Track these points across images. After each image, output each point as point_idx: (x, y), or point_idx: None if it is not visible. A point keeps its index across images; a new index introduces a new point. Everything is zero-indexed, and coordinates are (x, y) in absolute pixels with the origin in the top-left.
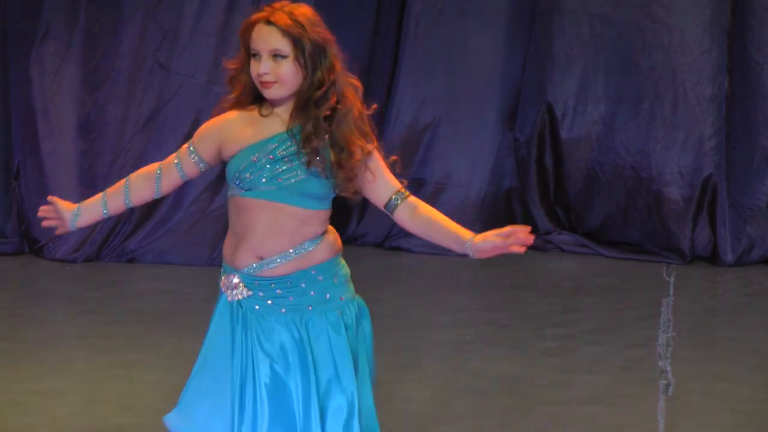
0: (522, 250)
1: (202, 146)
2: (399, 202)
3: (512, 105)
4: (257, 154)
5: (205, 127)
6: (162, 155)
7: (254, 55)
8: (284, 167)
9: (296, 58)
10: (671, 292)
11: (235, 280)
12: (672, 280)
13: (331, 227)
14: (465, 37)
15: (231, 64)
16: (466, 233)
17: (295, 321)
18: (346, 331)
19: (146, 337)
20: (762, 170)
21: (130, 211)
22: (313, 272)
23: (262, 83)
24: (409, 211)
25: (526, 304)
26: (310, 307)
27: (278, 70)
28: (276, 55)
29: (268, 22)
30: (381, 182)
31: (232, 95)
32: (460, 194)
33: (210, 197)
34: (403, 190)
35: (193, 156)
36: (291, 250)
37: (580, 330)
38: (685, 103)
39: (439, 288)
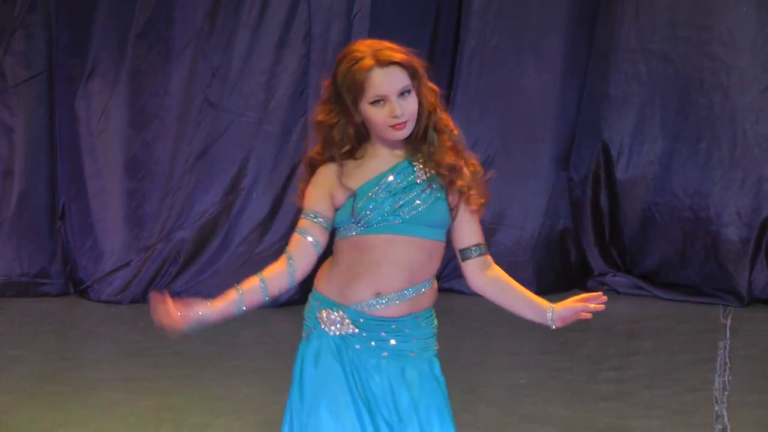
0: (590, 315)
1: (320, 206)
2: (476, 255)
3: (567, 144)
4: (374, 190)
5: (311, 189)
6: (212, 195)
7: (376, 102)
8: (403, 200)
9: (416, 89)
10: (728, 335)
11: (340, 315)
12: (729, 322)
13: None
14: (520, 74)
15: (327, 120)
16: (544, 302)
17: (393, 368)
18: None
19: (193, 381)
20: None
21: (177, 254)
22: (417, 318)
23: (394, 126)
24: (482, 267)
25: (580, 347)
26: (413, 353)
27: (409, 108)
28: (403, 93)
29: (384, 64)
30: (466, 223)
31: (343, 150)
32: (513, 235)
33: (258, 238)
34: (484, 245)
35: (318, 219)
36: (410, 289)
37: (635, 374)
38: (743, 142)
39: (492, 331)
